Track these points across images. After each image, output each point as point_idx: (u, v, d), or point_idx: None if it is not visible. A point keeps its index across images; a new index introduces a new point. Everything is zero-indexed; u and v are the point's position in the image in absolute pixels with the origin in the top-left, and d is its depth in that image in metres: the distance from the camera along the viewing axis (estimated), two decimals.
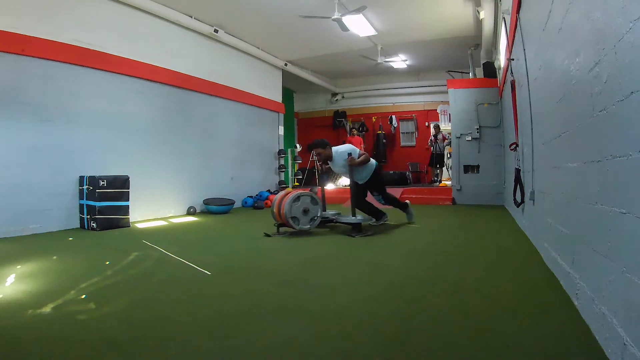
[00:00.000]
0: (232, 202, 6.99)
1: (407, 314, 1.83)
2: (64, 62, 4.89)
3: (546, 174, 2.75)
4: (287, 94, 11.40)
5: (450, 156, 8.64)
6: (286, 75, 10.04)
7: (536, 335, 1.54)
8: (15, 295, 2.17)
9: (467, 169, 7.68)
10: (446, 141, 9.49)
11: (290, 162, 10.18)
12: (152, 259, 3.13)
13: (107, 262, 2.99)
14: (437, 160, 9.70)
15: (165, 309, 1.96)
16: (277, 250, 3.48)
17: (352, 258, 3.13)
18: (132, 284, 2.44)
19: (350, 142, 10.89)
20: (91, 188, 4.86)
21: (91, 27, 5.24)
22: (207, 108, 7.35)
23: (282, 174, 9.86)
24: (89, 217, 4.87)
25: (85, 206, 4.94)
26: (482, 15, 6.29)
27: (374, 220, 4.75)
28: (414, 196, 8.23)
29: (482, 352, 1.42)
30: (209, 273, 2.65)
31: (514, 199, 4.12)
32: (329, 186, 9.98)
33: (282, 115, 9.83)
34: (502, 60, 6.16)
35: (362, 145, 10.94)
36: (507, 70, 4.85)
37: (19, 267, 2.86)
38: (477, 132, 7.47)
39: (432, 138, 9.67)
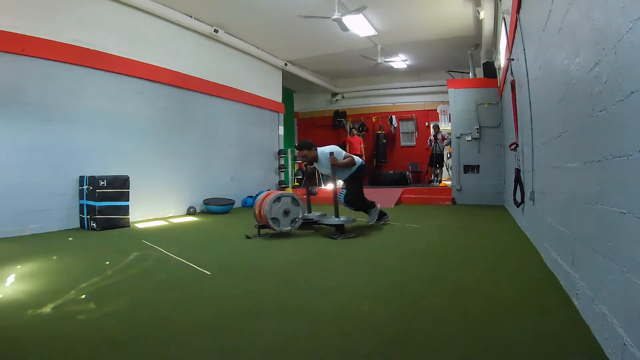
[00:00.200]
0: (232, 202, 6.99)
1: (407, 314, 1.83)
2: (64, 62, 4.89)
3: (546, 174, 2.75)
4: (287, 94, 11.40)
5: (450, 156, 8.64)
6: (286, 75, 10.04)
7: (536, 335, 1.54)
8: (15, 295, 2.17)
9: (467, 169, 7.68)
10: (445, 141, 9.49)
11: (290, 162, 10.18)
12: (152, 259, 3.13)
13: (107, 262, 2.99)
14: (437, 160, 9.70)
15: (165, 309, 1.96)
16: (277, 250, 3.48)
17: (352, 258, 3.13)
18: (132, 284, 2.44)
19: (350, 142, 10.92)
20: (91, 188, 4.86)
21: (91, 27, 5.24)
22: (207, 108, 7.35)
23: (282, 174, 9.87)
24: (89, 217, 4.88)
25: (85, 206, 4.94)
26: (482, 15, 6.29)
27: (374, 220, 4.72)
28: (414, 196, 8.25)
29: (482, 352, 1.42)
30: (209, 273, 2.65)
31: (514, 199, 4.12)
32: (329, 186, 9.98)
33: (282, 115, 9.83)
34: (502, 60, 6.17)
35: (362, 145, 10.93)
36: (507, 70, 4.85)
37: (19, 267, 2.86)
38: (477, 132, 7.47)
39: (432, 138, 9.67)
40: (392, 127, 11.96)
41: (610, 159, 1.33)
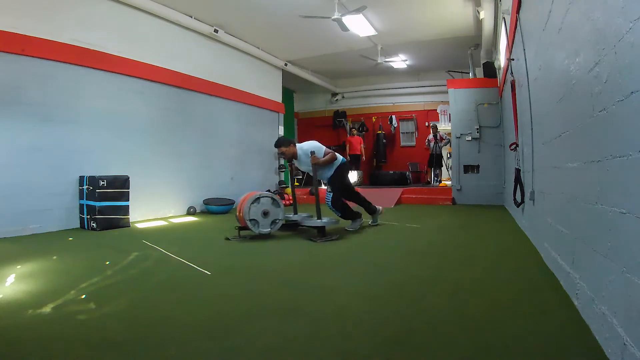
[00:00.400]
0: (232, 202, 6.99)
1: (407, 314, 1.83)
2: (64, 62, 4.89)
3: (546, 174, 2.75)
4: (287, 94, 11.39)
5: (450, 156, 8.64)
6: (286, 75, 10.03)
7: (536, 335, 1.54)
8: (15, 295, 2.17)
9: (467, 169, 7.68)
10: (443, 141, 9.50)
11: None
12: (152, 259, 3.13)
13: (107, 262, 2.99)
14: (436, 160, 9.70)
15: (165, 309, 1.96)
16: (277, 250, 3.48)
17: (352, 258, 3.13)
18: (132, 284, 2.44)
19: (350, 142, 10.93)
20: (91, 188, 4.86)
21: (91, 27, 5.24)
22: (207, 108, 7.35)
23: (282, 174, 9.86)
24: (89, 217, 4.88)
25: (85, 206, 4.94)
26: (482, 15, 6.29)
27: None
28: (413, 196, 8.25)
29: (482, 352, 1.42)
30: (209, 273, 2.65)
31: (514, 199, 4.12)
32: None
33: (282, 115, 9.83)
34: (502, 60, 6.16)
35: (362, 145, 10.93)
36: (507, 70, 4.85)
37: (19, 267, 2.86)
38: (477, 132, 7.47)
39: (432, 138, 9.67)
40: (392, 127, 11.96)
41: (610, 159, 1.33)
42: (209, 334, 1.63)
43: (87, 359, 1.44)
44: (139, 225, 5.27)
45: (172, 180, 6.49)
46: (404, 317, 1.80)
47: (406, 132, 12.26)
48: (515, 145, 4.23)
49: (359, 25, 7.12)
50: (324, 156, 4.12)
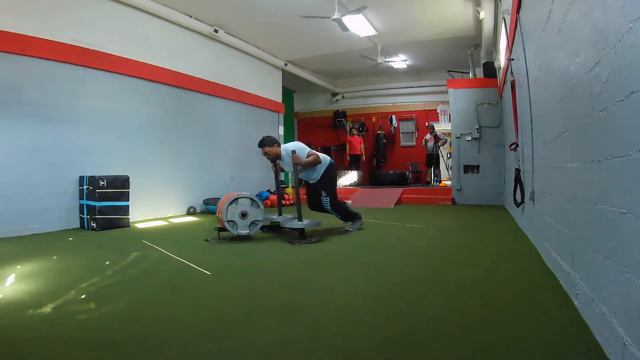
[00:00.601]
0: None
1: (407, 314, 1.83)
2: (64, 62, 4.89)
3: (546, 174, 2.75)
4: (287, 94, 11.39)
5: (450, 156, 8.64)
6: (286, 75, 10.03)
7: (536, 335, 1.54)
8: (15, 295, 2.17)
9: (467, 169, 7.68)
10: (441, 141, 9.52)
11: None
12: (152, 259, 3.13)
13: (107, 262, 2.99)
14: (435, 160, 9.71)
15: (165, 309, 1.96)
16: (278, 250, 3.48)
17: (352, 258, 3.13)
18: (132, 284, 2.44)
19: (350, 142, 10.93)
20: (91, 188, 4.86)
21: (91, 27, 5.24)
22: (207, 108, 7.35)
23: (282, 174, 9.85)
24: (89, 217, 4.87)
25: (85, 206, 4.94)
26: (482, 15, 6.29)
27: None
28: (413, 196, 8.25)
29: (482, 352, 1.42)
30: (209, 273, 2.65)
31: (514, 199, 4.12)
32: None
33: (282, 115, 9.83)
34: (502, 60, 6.17)
35: (362, 145, 10.93)
36: (507, 70, 4.85)
37: (19, 267, 2.86)
38: (477, 132, 7.48)
39: (429, 137, 9.67)
40: (392, 127, 11.96)
41: (610, 159, 1.33)
42: (209, 334, 1.63)
43: (87, 359, 1.44)
44: (139, 225, 5.27)
45: (172, 180, 6.49)
46: (404, 317, 1.80)
47: (406, 132, 12.26)
48: (515, 145, 4.23)
49: (359, 25, 7.12)
50: (307, 157, 4.04)
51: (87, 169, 5.10)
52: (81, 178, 5.02)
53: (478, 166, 7.59)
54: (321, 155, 4.23)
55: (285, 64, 9.53)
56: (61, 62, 4.86)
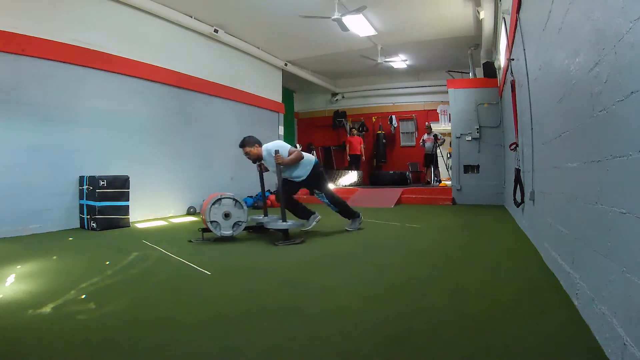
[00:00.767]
0: None
1: (407, 314, 1.83)
2: (64, 62, 4.90)
3: (546, 174, 2.75)
4: (287, 94, 11.40)
5: (450, 156, 8.64)
6: (286, 75, 10.04)
7: (536, 335, 1.54)
8: (15, 295, 2.17)
9: (467, 169, 7.68)
10: (439, 141, 9.53)
11: None
12: (152, 259, 3.13)
13: (107, 262, 2.99)
14: (430, 160, 9.71)
15: (165, 309, 1.96)
16: (278, 250, 3.48)
17: (352, 258, 3.13)
18: (132, 284, 2.44)
19: (350, 142, 10.93)
20: (91, 188, 4.86)
21: (91, 27, 5.25)
22: (207, 108, 7.35)
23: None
24: (89, 217, 4.88)
25: (85, 206, 4.94)
26: (482, 15, 6.29)
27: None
28: (413, 196, 8.25)
29: (482, 352, 1.42)
30: (209, 273, 2.65)
31: (514, 199, 4.12)
32: (329, 186, 9.98)
33: (282, 115, 9.83)
34: (502, 60, 6.17)
35: (362, 145, 10.93)
36: (507, 70, 4.85)
37: (19, 267, 2.86)
38: (477, 132, 7.48)
39: (427, 137, 9.68)
40: (392, 127, 11.97)
41: (610, 159, 1.33)
42: (209, 334, 1.63)
43: (87, 359, 1.44)
44: (139, 225, 5.27)
45: (172, 180, 6.50)
46: (404, 317, 1.80)
47: (406, 132, 12.27)
48: (515, 145, 4.23)
49: (359, 25, 7.12)
50: (288, 155, 3.98)
51: (87, 169, 5.10)
52: (81, 178, 5.02)
53: (478, 166, 7.59)
54: (306, 154, 4.20)
55: (285, 64, 9.53)
56: (61, 62, 4.86)
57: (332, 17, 6.17)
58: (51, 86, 4.78)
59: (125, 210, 5.11)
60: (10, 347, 1.54)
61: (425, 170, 10.48)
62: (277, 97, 9.70)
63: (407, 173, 10.19)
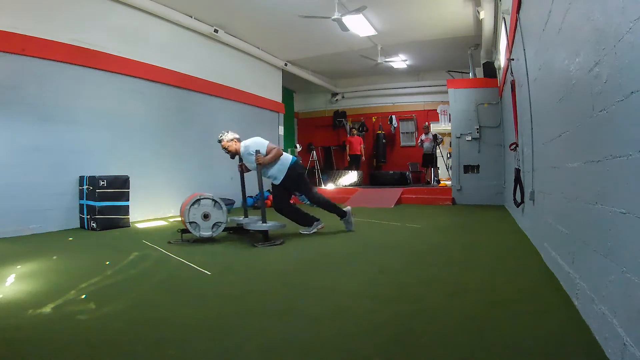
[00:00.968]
0: (232, 202, 6.99)
1: (407, 314, 1.83)
2: (64, 62, 4.89)
3: (546, 174, 2.75)
4: (287, 94, 11.39)
5: (450, 156, 8.65)
6: (286, 75, 10.04)
7: (536, 335, 1.54)
8: (15, 295, 2.17)
9: (467, 169, 7.68)
10: (437, 141, 9.55)
11: None
12: (152, 259, 3.13)
13: (107, 262, 2.99)
14: (429, 160, 9.72)
15: (165, 309, 1.96)
16: (278, 250, 3.48)
17: (352, 258, 3.13)
18: (132, 284, 2.44)
19: (350, 142, 10.93)
20: (91, 188, 4.86)
21: (91, 27, 5.25)
22: (207, 108, 7.35)
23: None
24: (89, 217, 4.87)
25: (85, 206, 4.94)
26: (482, 15, 6.29)
27: (304, 228, 4.23)
28: (413, 196, 8.25)
29: (482, 352, 1.42)
30: (209, 273, 2.65)
31: (514, 199, 4.12)
32: (329, 186, 9.99)
33: (282, 115, 9.83)
34: (502, 60, 6.17)
35: (362, 145, 10.93)
36: (507, 70, 4.85)
37: (19, 267, 2.86)
38: (477, 132, 7.48)
39: (425, 138, 9.68)
40: (392, 127, 11.96)
41: (610, 159, 1.33)
42: (209, 334, 1.63)
43: (87, 359, 1.44)
44: (139, 225, 5.27)
45: (172, 180, 6.49)
46: (404, 317, 1.80)
47: (406, 132, 12.26)
48: (515, 145, 4.23)
49: (359, 25, 7.12)
50: (267, 153, 3.89)
51: (87, 169, 5.10)
52: (81, 178, 5.02)
53: (478, 166, 7.59)
54: (283, 154, 4.09)
55: (285, 64, 9.53)
56: (61, 62, 4.86)
57: (332, 17, 6.17)
58: (51, 86, 4.78)
59: (125, 210, 5.11)
60: (10, 347, 1.54)
61: (426, 171, 10.48)
62: (277, 97, 9.70)
63: (407, 173, 10.19)
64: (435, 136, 9.58)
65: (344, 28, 6.60)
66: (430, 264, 2.88)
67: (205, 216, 3.81)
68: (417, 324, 1.70)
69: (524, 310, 1.84)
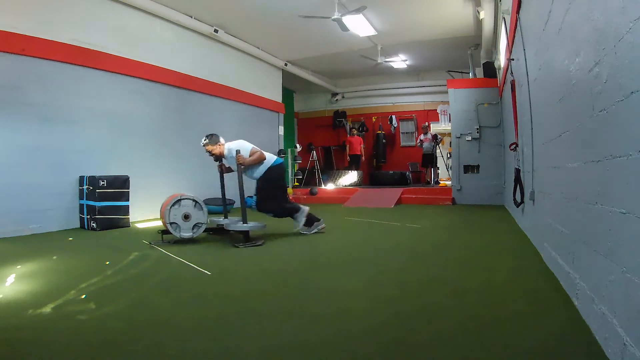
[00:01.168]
0: (232, 202, 6.98)
1: (407, 314, 1.83)
2: (64, 62, 4.90)
3: (546, 174, 2.75)
4: (287, 94, 11.39)
5: (450, 156, 8.65)
6: (286, 75, 10.04)
7: (536, 335, 1.54)
8: (15, 295, 2.17)
9: (467, 169, 7.68)
10: (437, 141, 9.56)
11: (290, 162, 10.18)
12: (152, 259, 3.13)
13: (107, 262, 2.99)
14: (429, 160, 9.73)
15: (165, 309, 1.96)
16: (278, 250, 3.48)
17: (353, 258, 3.13)
18: (132, 284, 2.44)
19: (350, 142, 10.93)
20: (91, 188, 4.86)
21: (91, 27, 5.25)
22: (207, 108, 7.35)
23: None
24: (89, 217, 4.87)
25: (85, 206, 4.94)
26: (482, 15, 6.29)
27: (305, 228, 4.15)
28: (413, 196, 8.25)
29: (482, 352, 1.42)
30: (209, 273, 2.65)
31: (514, 199, 4.12)
32: (329, 186, 9.99)
33: (282, 115, 9.84)
34: (502, 60, 6.17)
35: (362, 145, 10.93)
36: (507, 70, 4.85)
37: (19, 267, 2.86)
38: (477, 132, 7.48)
39: (424, 138, 9.68)
40: (392, 127, 11.97)
41: (610, 159, 1.33)
42: (209, 334, 1.63)
43: (87, 359, 1.44)
44: (139, 225, 5.27)
45: (172, 180, 6.49)
46: (404, 317, 1.80)
47: (406, 132, 12.27)
48: (515, 145, 4.23)
49: (359, 25, 7.12)
50: (250, 155, 3.89)
51: (87, 169, 5.10)
52: (81, 178, 5.02)
53: (478, 166, 7.59)
54: (268, 154, 4.07)
55: (285, 64, 9.54)
56: (61, 62, 4.86)
57: (332, 17, 6.17)
58: (51, 86, 4.78)
59: (125, 210, 5.11)
60: (10, 347, 1.54)
61: (425, 171, 10.48)
62: (277, 97, 9.70)
63: (407, 173, 10.19)
64: (435, 136, 9.58)
65: (344, 28, 6.60)
66: (430, 264, 2.88)
67: (186, 217, 3.79)
68: (417, 324, 1.70)
69: (524, 310, 1.84)
